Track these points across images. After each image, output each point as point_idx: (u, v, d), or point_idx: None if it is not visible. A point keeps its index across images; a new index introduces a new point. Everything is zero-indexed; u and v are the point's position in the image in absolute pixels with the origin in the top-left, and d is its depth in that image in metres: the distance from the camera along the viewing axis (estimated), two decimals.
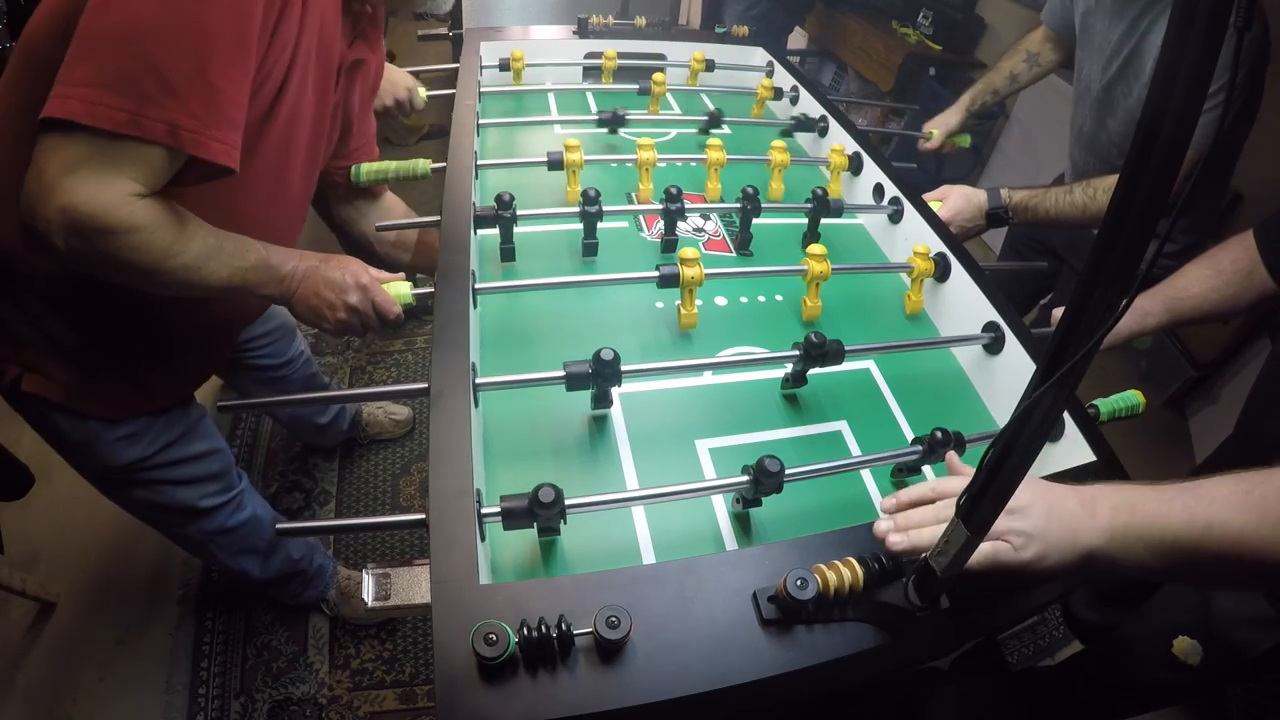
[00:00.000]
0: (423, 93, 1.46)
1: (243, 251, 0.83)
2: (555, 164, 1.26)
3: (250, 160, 0.80)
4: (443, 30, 1.92)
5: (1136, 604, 1.19)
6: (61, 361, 0.93)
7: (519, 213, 1.13)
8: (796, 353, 0.96)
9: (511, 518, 0.71)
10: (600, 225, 1.18)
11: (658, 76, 1.59)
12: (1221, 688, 1.15)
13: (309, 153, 0.95)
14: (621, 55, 1.73)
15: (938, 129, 1.75)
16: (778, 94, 1.70)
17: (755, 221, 1.26)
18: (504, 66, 1.68)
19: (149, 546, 1.71)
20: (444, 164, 1.24)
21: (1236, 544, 0.56)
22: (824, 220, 1.28)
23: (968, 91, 1.76)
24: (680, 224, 1.29)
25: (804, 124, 1.63)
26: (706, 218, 1.34)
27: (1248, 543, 0.55)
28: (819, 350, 0.94)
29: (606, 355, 0.85)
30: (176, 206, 0.76)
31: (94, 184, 0.67)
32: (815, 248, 1.10)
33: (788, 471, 0.77)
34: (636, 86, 1.62)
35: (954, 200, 1.33)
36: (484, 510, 0.71)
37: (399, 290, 0.93)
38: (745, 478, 0.78)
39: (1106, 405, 0.96)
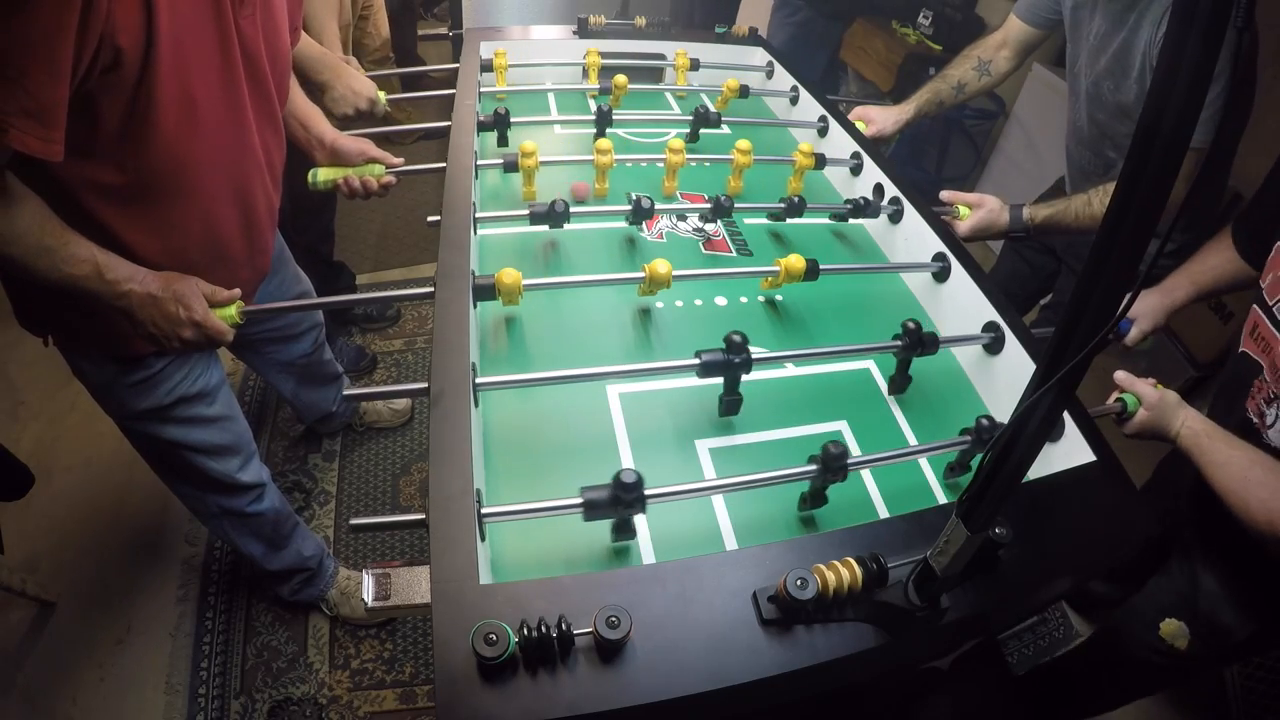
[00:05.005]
0: (383, 97, 1.48)
1: (75, 259, 0.86)
2: (510, 166, 1.26)
3: (153, 123, 0.83)
4: (443, 30, 1.92)
5: (1145, 579, 1.19)
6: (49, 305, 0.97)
7: (573, 210, 1.14)
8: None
9: (593, 508, 0.71)
10: (601, 226, 1.18)
11: (619, 79, 1.58)
12: (1212, 669, 1.15)
13: (223, 80, 0.92)
14: (621, 55, 1.73)
15: (870, 127, 1.61)
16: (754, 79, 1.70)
17: (749, 222, 1.26)
18: (486, 68, 1.66)
19: (149, 547, 1.71)
20: (428, 166, 1.25)
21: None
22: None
23: (913, 100, 1.65)
24: (680, 224, 1.29)
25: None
26: (709, 219, 1.34)
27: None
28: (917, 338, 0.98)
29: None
30: (9, 207, 0.80)
31: None
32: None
33: (850, 460, 0.79)
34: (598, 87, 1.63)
35: (982, 216, 1.33)
36: (484, 510, 0.71)
37: (225, 311, 1.00)
38: (812, 466, 0.79)
39: (1131, 399, 0.99)
